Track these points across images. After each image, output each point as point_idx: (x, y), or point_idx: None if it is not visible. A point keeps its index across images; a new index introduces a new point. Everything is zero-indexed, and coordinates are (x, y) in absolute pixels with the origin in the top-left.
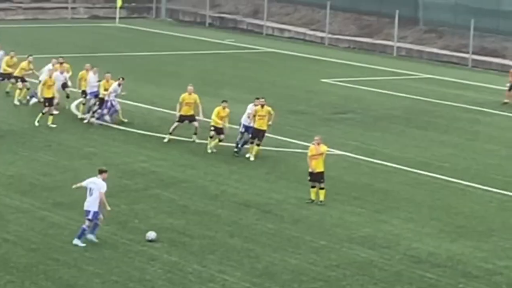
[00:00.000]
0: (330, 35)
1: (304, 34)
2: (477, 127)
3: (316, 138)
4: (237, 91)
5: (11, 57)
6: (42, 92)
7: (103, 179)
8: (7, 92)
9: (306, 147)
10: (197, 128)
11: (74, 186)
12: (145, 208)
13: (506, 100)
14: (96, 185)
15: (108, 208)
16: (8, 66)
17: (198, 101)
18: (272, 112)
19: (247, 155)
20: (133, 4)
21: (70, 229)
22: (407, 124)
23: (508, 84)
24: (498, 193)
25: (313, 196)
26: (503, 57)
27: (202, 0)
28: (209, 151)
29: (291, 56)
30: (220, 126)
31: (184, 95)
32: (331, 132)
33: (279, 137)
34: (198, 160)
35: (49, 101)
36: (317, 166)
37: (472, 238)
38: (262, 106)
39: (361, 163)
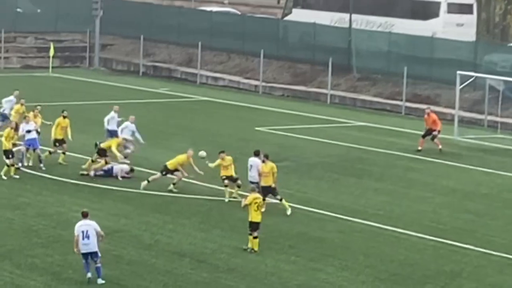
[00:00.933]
0: (264, 83)
1: (238, 82)
2: (411, 175)
3: (252, 186)
4: (172, 140)
5: (21, 105)
6: (4, 144)
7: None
8: None
9: (242, 196)
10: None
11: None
12: (79, 258)
13: (419, 148)
14: (90, 225)
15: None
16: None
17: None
18: (275, 169)
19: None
20: (66, 54)
21: (4, 280)
22: (341, 172)
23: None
24: (433, 240)
25: (250, 244)
26: (436, 104)
27: (135, 49)
28: (227, 200)
29: (225, 105)
30: (230, 174)
31: (183, 158)
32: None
33: (213, 186)
34: (131, 209)
35: (11, 153)
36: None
37: (407, 285)
38: (264, 161)
39: (296, 211)
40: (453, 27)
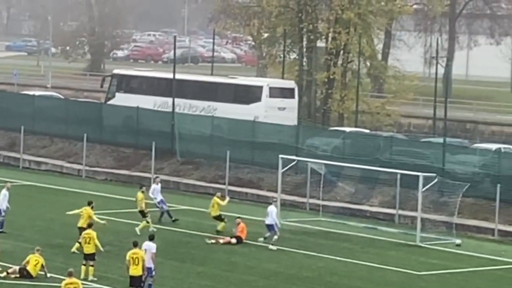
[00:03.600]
0: (87, 168)
1: (62, 166)
2: (234, 258)
3: (69, 270)
4: None
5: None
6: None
7: None
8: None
9: (60, 280)
10: None
11: None
12: None
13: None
14: None
15: None
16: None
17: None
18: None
19: None
20: None
21: None
22: (164, 255)
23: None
24: None
25: None
26: (259, 188)
27: None
28: None
29: (48, 189)
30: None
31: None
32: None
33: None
34: None
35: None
36: None
37: None
38: (135, 245)
39: None
40: (275, 111)
